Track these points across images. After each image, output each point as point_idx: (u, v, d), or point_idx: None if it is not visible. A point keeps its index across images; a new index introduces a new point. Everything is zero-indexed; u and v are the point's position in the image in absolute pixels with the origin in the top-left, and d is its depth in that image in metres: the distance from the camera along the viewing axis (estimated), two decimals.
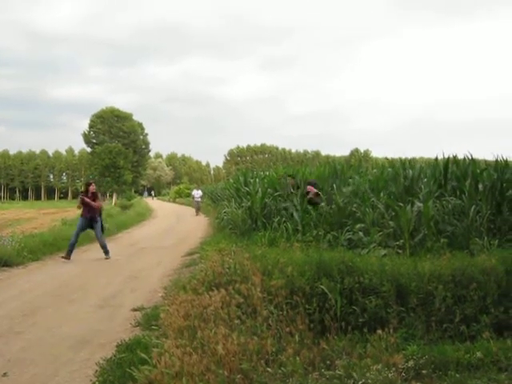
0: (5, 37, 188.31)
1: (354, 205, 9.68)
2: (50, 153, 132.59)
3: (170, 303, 4.55)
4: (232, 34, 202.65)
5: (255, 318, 4.60)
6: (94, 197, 12.44)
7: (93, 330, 6.07)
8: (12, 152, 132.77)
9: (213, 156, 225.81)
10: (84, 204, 12.30)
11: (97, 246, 12.34)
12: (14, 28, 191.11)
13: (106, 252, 12.23)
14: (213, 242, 11.10)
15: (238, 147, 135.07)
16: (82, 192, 12.93)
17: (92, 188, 12.50)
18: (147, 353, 3.78)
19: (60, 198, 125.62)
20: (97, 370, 4.31)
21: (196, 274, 6.24)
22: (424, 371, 4.42)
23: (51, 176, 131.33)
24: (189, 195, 47.70)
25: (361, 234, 8.56)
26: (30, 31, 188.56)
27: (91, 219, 12.33)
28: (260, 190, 12.76)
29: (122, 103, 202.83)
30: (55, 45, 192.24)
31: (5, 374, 4.63)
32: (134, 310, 6.80)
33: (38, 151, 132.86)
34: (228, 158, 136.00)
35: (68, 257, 11.73)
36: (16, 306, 7.43)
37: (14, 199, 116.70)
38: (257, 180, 13.64)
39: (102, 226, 12.58)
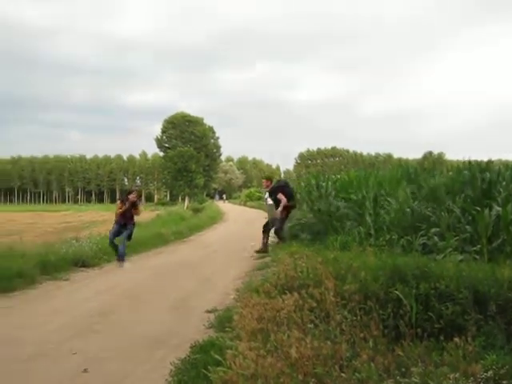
0: (82, 46, 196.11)
1: (429, 208, 9.46)
2: (125, 157, 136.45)
3: (243, 306, 4.58)
4: (300, 37, 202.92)
5: (328, 322, 4.57)
6: (134, 206, 12.27)
7: (167, 330, 6.21)
8: (88, 156, 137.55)
9: (283, 159, 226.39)
10: (125, 211, 12.14)
11: (170, 248, 12.58)
12: (91, 37, 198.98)
13: (121, 260, 11.99)
14: (284, 246, 11.13)
15: (309, 150, 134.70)
16: (121, 200, 12.68)
17: (132, 197, 12.28)
18: (221, 354, 3.82)
19: None
20: (172, 370, 4.41)
21: (268, 277, 6.27)
22: (504, 382, 4.26)
23: (125, 179, 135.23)
24: (259, 198, 47.87)
25: (436, 238, 8.34)
26: (106, 40, 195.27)
27: (124, 225, 12.23)
28: (332, 193, 12.67)
29: (193, 108, 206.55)
30: (129, 52, 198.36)
31: (85, 370, 4.82)
32: (207, 311, 6.90)
33: (113, 155, 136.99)
34: (298, 161, 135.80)
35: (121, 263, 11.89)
36: (93, 306, 7.70)
37: (90, 202, 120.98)
38: (329, 183, 13.55)
39: (131, 234, 12.44)
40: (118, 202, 12.64)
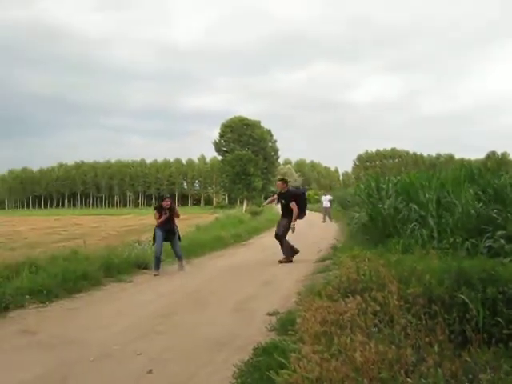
0: (139, 52, 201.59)
1: (495, 210, 9.18)
2: (184, 161, 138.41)
3: (306, 309, 4.57)
4: (357, 38, 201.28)
5: (392, 326, 4.50)
6: (171, 211, 11.84)
7: (229, 332, 6.25)
8: (148, 161, 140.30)
9: (341, 161, 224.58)
10: (167, 219, 11.76)
11: (229, 251, 12.62)
12: (147, 44, 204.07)
13: (182, 265, 11.92)
14: (345, 249, 11.03)
15: (367, 152, 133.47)
16: (158, 210, 11.97)
17: (166, 203, 11.83)
18: (284, 357, 3.82)
19: (193, 204, 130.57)
20: (235, 372, 4.44)
21: (330, 281, 6.24)
22: None
23: (184, 183, 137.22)
24: (318, 201, 47.65)
25: (502, 241, 8.09)
26: (162, 46, 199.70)
27: (168, 232, 11.84)
28: (393, 195, 12.48)
29: (250, 111, 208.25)
30: (185, 57, 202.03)
31: (150, 371, 4.91)
32: (269, 314, 6.91)
33: (172, 159, 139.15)
34: (357, 163, 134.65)
35: (157, 272, 11.26)
36: (156, 308, 7.85)
37: (150, 205, 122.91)
38: (389, 185, 13.34)
39: (179, 236, 12.24)
40: (155, 212, 11.99)
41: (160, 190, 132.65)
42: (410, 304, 5.09)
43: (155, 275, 11.03)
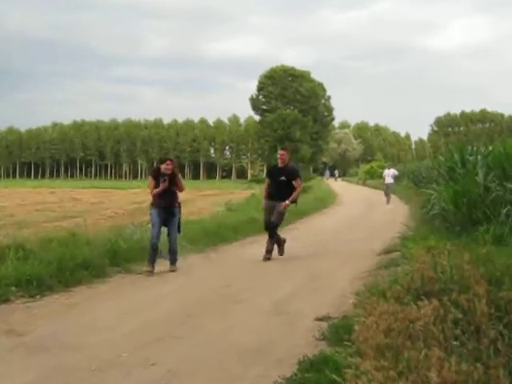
0: None
1: None
2: (211, 122, 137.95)
3: (367, 314, 4.56)
4: None
5: (479, 339, 4.46)
6: (174, 180, 10.96)
7: (266, 340, 6.28)
8: (166, 121, 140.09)
9: (414, 126, 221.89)
10: (164, 189, 10.76)
11: (265, 237, 12.57)
12: None
13: (174, 261, 10.93)
14: (417, 238, 10.93)
15: (449, 114, 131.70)
16: (153, 175, 11.22)
17: (166, 167, 10.84)
18: (338, 374, 3.83)
19: (222, 176, 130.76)
20: None
21: (398, 278, 6.20)
22: None
23: (212, 150, 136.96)
24: (381, 177, 47.31)
25: None
26: None
27: (167, 210, 10.92)
28: (483, 170, 12.29)
29: (294, 59, 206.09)
30: None
31: None
32: (318, 319, 6.91)
33: (196, 120, 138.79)
34: (435, 128, 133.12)
35: (151, 269, 10.49)
36: (175, 306, 7.96)
37: None
38: (478, 157, 13.15)
39: (179, 223, 11.19)
40: (149, 177, 11.29)
41: (180, 158, 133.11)
42: (503, 312, 5.03)
43: (148, 273, 10.36)
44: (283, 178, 12.26)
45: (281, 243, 12.33)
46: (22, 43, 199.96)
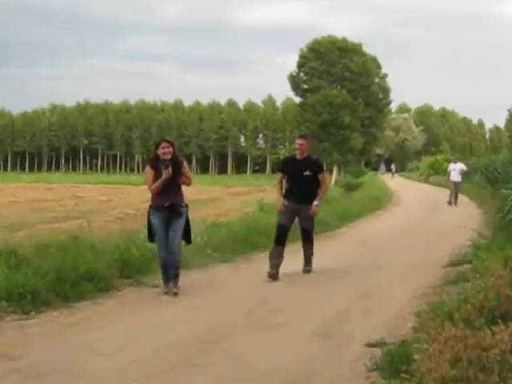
0: None
1: None
2: (241, 105, 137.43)
3: (430, 339, 4.53)
4: None
5: None
6: (178, 168, 10.12)
7: (307, 370, 6.27)
8: (187, 103, 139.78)
9: (489, 111, 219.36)
10: (166, 181, 9.86)
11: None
12: None
13: (176, 278, 10.04)
14: (493, 247, 10.84)
15: None
16: (151, 163, 10.36)
17: (165, 151, 9.92)
18: None
19: (254, 170, 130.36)
20: None
21: (469, 297, 6.15)
22: None
23: (242, 138, 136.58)
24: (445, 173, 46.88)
25: None
26: None
27: (172, 211, 10.11)
28: None
29: (340, 29, 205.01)
30: None
31: None
32: (369, 345, 6.90)
33: (223, 102, 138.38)
34: None
35: (167, 289, 10.06)
36: (195, 328, 7.98)
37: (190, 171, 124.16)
38: None
39: (188, 228, 10.49)
40: (147, 167, 10.42)
41: (204, 147, 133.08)
42: None
43: (165, 294, 9.97)
44: (307, 172, 11.65)
45: (311, 254, 11.93)
46: (13, 8, 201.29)
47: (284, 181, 12.15)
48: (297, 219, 12.00)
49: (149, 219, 10.11)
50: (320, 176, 11.80)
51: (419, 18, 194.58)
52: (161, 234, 9.91)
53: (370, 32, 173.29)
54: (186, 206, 10.22)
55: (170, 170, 9.64)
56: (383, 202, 30.27)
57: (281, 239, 11.53)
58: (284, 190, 12.06)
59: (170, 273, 9.86)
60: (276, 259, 11.31)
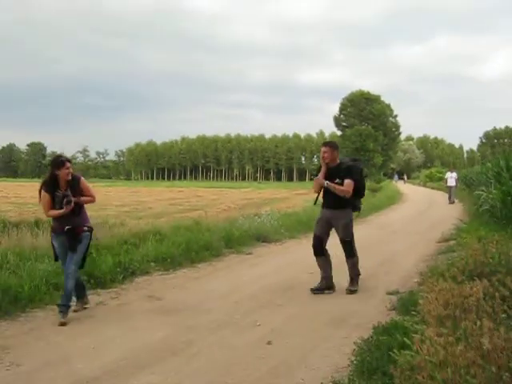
0: (256, 29, 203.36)
1: None
2: (302, 136, 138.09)
3: (429, 290, 4.44)
4: (481, 10, 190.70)
5: None
6: (78, 188, 6.14)
7: (348, 309, 6.23)
8: (267, 135, 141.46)
9: (466, 138, 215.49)
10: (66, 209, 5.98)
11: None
12: (263, 20, 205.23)
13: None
14: (470, 230, 10.61)
15: (495, 129, 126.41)
16: (45, 184, 6.14)
17: (65, 171, 6.02)
18: (407, 337, 3.74)
19: (311, 179, 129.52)
20: (354, 349, 4.42)
21: (455, 262, 6.01)
22: None
23: (303, 158, 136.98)
24: (440, 179, 45.86)
25: None
26: (279, 22, 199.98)
27: (71, 233, 6.08)
28: None
29: (367, 86, 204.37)
30: (300, 32, 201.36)
31: (269, 343, 4.99)
32: (389, 293, 6.81)
33: (290, 134, 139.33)
34: (484, 140, 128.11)
35: (63, 314, 5.80)
36: (275, 280, 7.94)
37: (268, 180, 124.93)
38: None
39: (87, 250, 6.27)
40: (42, 192, 6.12)
41: (279, 164, 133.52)
42: None
43: (62, 324, 5.70)
44: (338, 180, 7.25)
45: (356, 272, 7.54)
46: (160, 75, 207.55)
47: None
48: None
49: (52, 241, 6.29)
50: (346, 180, 7.18)
51: (419, 78, 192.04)
52: (62, 257, 6.15)
53: (385, 87, 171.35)
54: (90, 228, 6.28)
55: (73, 204, 5.95)
56: (396, 200, 29.79)
57: (316, 250, 7.53)
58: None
59: (61, 299, 5.90)
60: (322, 271, 7.48)
